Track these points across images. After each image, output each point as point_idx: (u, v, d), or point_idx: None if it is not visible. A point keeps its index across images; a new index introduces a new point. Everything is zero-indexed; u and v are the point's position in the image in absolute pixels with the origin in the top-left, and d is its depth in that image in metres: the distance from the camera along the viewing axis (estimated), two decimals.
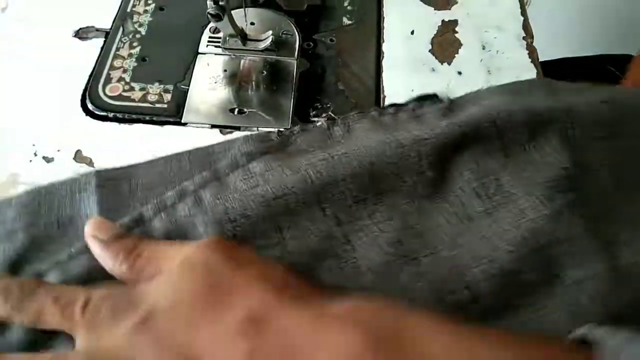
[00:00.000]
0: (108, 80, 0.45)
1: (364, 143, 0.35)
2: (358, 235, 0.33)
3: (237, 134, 0.42)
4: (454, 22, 0.50)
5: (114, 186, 0.35)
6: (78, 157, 0.41)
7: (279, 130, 0.37)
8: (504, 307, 0.31)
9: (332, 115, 0.39)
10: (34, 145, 0.42)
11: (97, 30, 0.49)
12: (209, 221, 0.32)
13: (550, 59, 0.48)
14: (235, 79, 0.46)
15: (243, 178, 0.34)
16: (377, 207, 0.34)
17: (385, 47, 0.49)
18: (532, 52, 0.48)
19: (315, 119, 0.43)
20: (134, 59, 0.47)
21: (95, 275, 0.31)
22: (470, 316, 0.31)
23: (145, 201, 0.35)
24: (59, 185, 0.36)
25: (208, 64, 0.47)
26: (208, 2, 0.42)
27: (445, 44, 0.48)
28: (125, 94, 0.45)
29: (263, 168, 0.35)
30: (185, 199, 0.33)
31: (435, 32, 0.49)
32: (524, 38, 0.49)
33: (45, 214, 0.35)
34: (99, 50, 0.48)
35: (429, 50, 0.48)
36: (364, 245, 0.33)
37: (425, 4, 0.52)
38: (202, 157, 0.37)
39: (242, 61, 0.48)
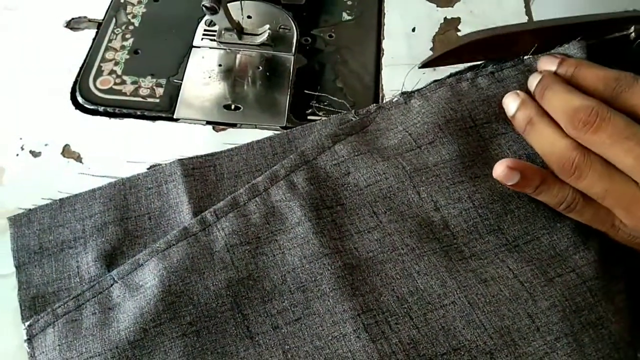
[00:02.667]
0: (99, 73, 0.44)
1: (445, 117, 0.34)
2: (457, 221, 0.33)
3: (231, 131, 0.41)
4: (457, 20, 0.49)
5: (200, 174, 0.36)
6: (66, 151, 0.40)
7: (355, 111, 0.37)
8: None
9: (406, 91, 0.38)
10: (21, 139, 0.40)
11: (89, 20, 0.48)
12: (306, 205, 0.33)
13: None
14: (230, 74, 0.45)
15: (332, 164, 0.35)
16: (476, 188, 0.33)
17: (385, 44, 0.47)
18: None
19: (312, 117, 0.42)
20: (126, 52, 0.46)
21: (197, 261, 0.32)
22: None
23: (234, 188, 0.35)
24: (143, 178, 0.37)
25: (203, 58, 0.46)
26: None
27: (447, 42, 0.47)
28: (116, 87, 0.43)
29: (350, 151, 0.35)
30: (277, 183, 0.34)
31: (437, 29, 0.48)
32: None
33: (134, 207, 0.35)
34: (91, 41, 0.46)
35: (430, 49, 0.47)
36: (463, 232, 0.32)
37: (428, 0, 0.50)
38: (282, 143, 0.38)
39: (237, 56, 0.46)
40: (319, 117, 0.42)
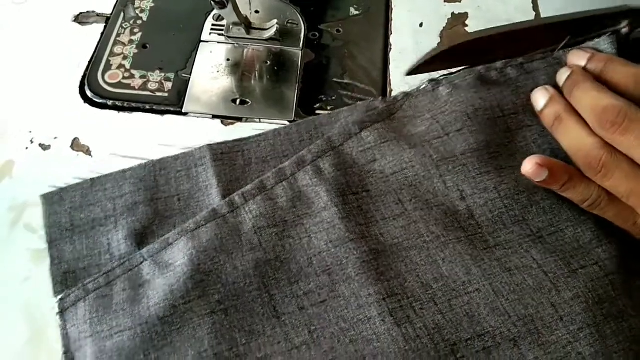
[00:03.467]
0: (108, 67, 0.44)
1: (474, 106, 0.35)
2: (482, 210, 0.33)
3: (239, 125, 0.41)
4: (464, 15, 0.49)
5: (229, 159, 0.37)
6: (75, 145, 0.40)
7: (382, 97, 0.38)
8: None
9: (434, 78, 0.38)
10: (30, 132, 0.41)
11: (98, 15, 0.48)
12: (332, 190, 0.34)
13: None
14: (238, 68, 0.45)
15: (359, 150, 0.35)
16: (502, 179, 0.33)
17: (392, 39, 0.47)
18: None
19: (320, 110, 0.42)
20: (134, 46, 0.46)
21: (226, 242, 0.33)
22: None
23: (262, 173, 0.36)
24: (173, 161, 0.37)
25: (211, 53, 0.46)
26: None
27: (454, 37, 0.47)
28: (125, 81, 0.43)
29: (377, 138, 0.35)
30: (304, 167, 0.35)
31: (444, 24, 0.48)
32: None
33: (164, 189, 0.36)
34: (99, 36, 0.46)
35: (438, 44, 0.47)
36: (488, 222, 0.33)
37: None
38: (309, 129, 0.38)
39: (245, 50, 0.46)
40: (327, 112, 0.42)
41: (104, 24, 0.47)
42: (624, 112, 0.30)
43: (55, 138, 0.40)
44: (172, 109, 0.42)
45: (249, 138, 0.38)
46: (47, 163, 0.39)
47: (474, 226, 0.33)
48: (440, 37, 0.47)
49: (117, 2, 0.49)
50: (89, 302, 0.32)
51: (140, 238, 0.34)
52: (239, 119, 0.42)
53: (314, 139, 0.37)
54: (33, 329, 0.33)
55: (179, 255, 0.33)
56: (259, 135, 0.38)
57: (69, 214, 0.35)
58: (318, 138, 0.37)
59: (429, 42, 0.47)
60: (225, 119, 0.42)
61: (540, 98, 0.34)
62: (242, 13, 0.45)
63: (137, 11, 0.48)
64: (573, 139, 0.32)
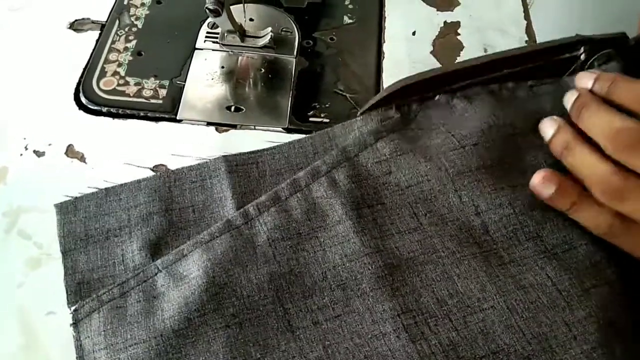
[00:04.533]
0: (102, 74, 0.45)
1: (488, 122, 0.35)
2: (497, 226, 0.33)
3: (233, 132, 0.42)
4: (456, 24, 0.49)
5: (244, 171, 0.37)
6: (69, 151, 0.40)
7: (396, 107, 0.37)
8: None
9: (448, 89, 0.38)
10: (24, 138, 0.41)
11: (93, 22, 0.48)
12: (347, 203, 0.34)
13: None
14: (232, 76, 0.46)
15: (374, 162, 0.35)
16: (516, 195, 0.33)
17: (385, 47, 0.48)
18: None
19: (313, 118, 0.42)
20: (129, 53, 0.46)
21: (240, 254, 0.33)
22: None
23: (276, 185, 0.36)
24: (187, 172, 0.37)
25: (205, 60, 0.46)
26: None
27: (446, 46, 0.48)
28: (119, 88, 0.44)
29: (393, 150, 0.35)
30: (318, 179, 0.35)
31: (437, 33, 0.49)
32: (526, 42, 0.48)
33: (179, 199, 0.36)
34: (94, 43, 0.47)
35: (430, 52, 0.47)
36: (503, 238, 0.32)
37: (428, 4, 0.51)
38: (323, 141, 0.38)
39: (240, 58, 0.47)
40: (321, 120, 0.42)
41: (99, 31, 0.48)
42: (633, 132, 0.29)
43: (50, 145, 0.40)
44: (166, 116, 0.42)
45: (264, 150, 0.38)
46: (42, 169, 0.39)
47: (488, 242, 0.33)
48: (433, 46, 0.48)
49: (112, 9, 0.49)
50: (103, 313, 0.32)
51: (155, 249, 0.34)
52: (234, 126, 0.42)
53: (328, 151, 0.37)
54: (27, 335, 0.33)
55: (193, 267, 0.32)
56: (274, 147, 0.38)
57: (84, 224, 0.35)
58: (332, 149, 0.37)
59: (422, 50, 0.47)
60: (220, 126, 0.42)
61: (548, 128, 0.34)
62: (237, 21, 0.45)
63: (132, 18, 0.49)
64: (585, 166, 0.31)
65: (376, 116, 0.37)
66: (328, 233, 0.33)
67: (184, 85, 0.44)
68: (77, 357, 0.32)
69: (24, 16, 0.49)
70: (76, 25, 0.48)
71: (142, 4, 0.50)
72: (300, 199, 0.34)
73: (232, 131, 0.42)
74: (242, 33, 0.47)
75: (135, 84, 0.44)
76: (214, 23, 0.47)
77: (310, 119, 0.43)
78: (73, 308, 0.33)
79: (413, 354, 0.30)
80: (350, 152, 0.36)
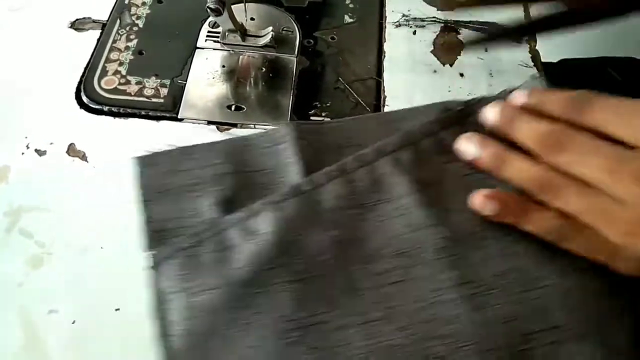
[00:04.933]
0: (104, 73, 0.45)
1: None
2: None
3: (234, 131, 0.42)
4: (457, 23, 0.49)
5: (311, 140, 0.38)
6: (71, 150, 0.40)
7: (461, 104, 0.38)
8: None
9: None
10: (26, 137, 0.41)
11: (94, 21, 0.49)
12: (411, 181, 0.35)
13: (552, 61, 0.47)
14: (233, 75, 0.46)
15: (436, 150, 0.36)
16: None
17: (386, 46, 0.48)
18: (534, 55, 0.47)
19: (314, 117, 0.43)
20: (130, 52, 0.46)
21: (307, 217, 0.34)
22: None
23: (340, 157, 0.37)
24: (258, 137, 0.39)
25: (206, 59, 0.46)
26: None
27: (447, 45, 0.48)
28: (121, 87, 0.44)
29: (454, 142, 0.36)
30: (384, 157, 0.36)
31: (437, 33, 0.49)
32: (526, 40, 0.48)
33: (250, 163, 0.37)
34: (95, 42, 0.47)
35: (431, 51, 0.47)
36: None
37: (429, 4, 0.51)
38: (387, 121, 0.39)
39: (241, 57, 0.47)
40: (322, 119, 0.43)
41: (100, 30, 0.48)
42: (559, 133, 0.31)
43: (51, 144, 0.40)
44: (167, 115, 0.42)
45: (330, 122, 0.39)
46: (43, 168, 0.39)
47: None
48: (434, 45, 0.48)
49: (113, 8, 0.49)
50: (178, 259, 0.34)
51: (227, 206, 0.36)
52: (234, 125, 0.42)
53: (389, 133, 0.38)
54: (28, 334, 0.33)
55: (263, 224, 0.34)
56: (339, 120, 0.39)
57: (161, 177, 0.37)
58: (392, 132, 0.38)
59: (423, 50, 0.47)
60: (221, 125, 0.42)
61: (469, 146, 0.35)
62: (238, 20, 0.45)
63: (133, 18, 0.49)
64: (521, 171, 0.32)
65: (438, 106, 0.38)
66: (392, 205, 0.35)
67: (185, 84, 0.44)
68: (153, 298, 0.33)
69: (24, 16, 0.49)
70: (77, 25, 0.48)
71: (143, 3, 0.50)
72: (365, 173, 0.36)
73: (233, 130, 0.42)
74: (243, 32, 0.47)
75: (137, 83, 0.44)
76: (215, 22, 0.47)
77: (311, 118, 0.43)
78: (152, 252, 0.34)
79: (473, 321, 0.31)
80: (414, 137, 0.37)
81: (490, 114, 0.35)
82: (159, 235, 0.35)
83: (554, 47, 0.48)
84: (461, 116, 0.37)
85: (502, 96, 0.37)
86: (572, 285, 0.31)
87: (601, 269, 0.32)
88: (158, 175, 0.37)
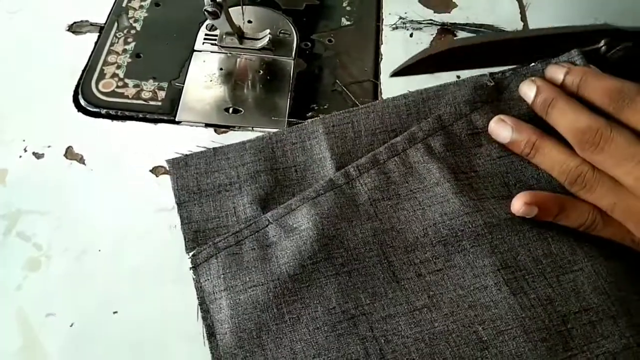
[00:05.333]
0: (101, 76, 0.45)
1: None
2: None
3: (232, 134, 0.42)
4: (454, 26, 0.50)
5: (340, 131, 0.38)
6: (69, 153, 0.40)
7: (491, 74, 0.38)
8: None
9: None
10: (24, 140, 0.41)
11: (91, 24, 0.49)
12: (444, 168, 0.35)
13: None
14: (231, 77, 0.46)
15: (468, 133, 0.37)
16: None
17: (383, 49, 0.48)
18: None
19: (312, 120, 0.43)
20: (128, 55, 0.46)
21: (345, 210, 0.35)
22: None
23: (372, 146, 0.37)
24: (287, 133, 0.39)
25: (204, 62, 0.46)
26: None
27: (444, 43, 0.48)
28: (118, 90, 0.44)
29: (486, 123, 0.37)
30: (415, 144, 0.37)
31: (434, 35, 0.49)
32: None
33: (281, 160, 0.38)
34: (93, 45, 0.47)
35: (424, 49, 0.47)
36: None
37: (425, 6, 0.51)
38: (417, 102, 0.39)
39: (238, 60, 0.47)
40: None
41: (98, 34, 0.48)
42: (599, 132, 0.31)
43: (49, 147, 0.40)
44: (165, 118, 0.43)
45: (359, 109, 0.39)
46: (41, 171, 0.39)
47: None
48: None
49: (110, 11, 0.49)
50: (220, 259, 0.34)
51: (263, 203, 0.36)
52: (232, 127, 0.42)
53: (421, 113, 0.38)
54: (25, 337, 0.33)
55: (302, 220, 0.35)
56: (368, 105, 0.39)
57: (195, 179, 0.37)
58: (425, 112, 0.38)
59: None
60: (218, 128, 0.42)
61: (503, 130, 0.35)
62: (235, 23, 0.45)
63: (131, 21, 0.49)
64: (555, 162, 0.33)
65: (470, 82, 0.38)
66: (427, 194, 0.35)
67: (183, 87, 0.44)
68: (198, 298, 0.34)
69: (22, 19, 0.49)
70: (75, 28, 0.48)
71: (141, 6, 0.50)
72: (398, 163, 0.36)
73: (231, 132, 0.42)
74: (241, 35, 0.47)
75: (134, 86, 0.44)
76: (213, 25, 0.48)
77: (309, 121, 0.43)
78: (192, 253, 0.35)
79: (515, 305, 0.31)
80: (445, 120, 0.37)
81: (529, 91, 0.35)
82: (198, 236, 0.36)
83: None
84: (492, 93, 0.37)
85: (539, 68, 0.37)
86: (601, 269, 0.33)
87: (627, 252, 0.33)
88: (193, 177, 0.38)
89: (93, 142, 0.41)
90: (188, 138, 0.41)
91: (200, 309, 0.33)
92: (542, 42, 0.37)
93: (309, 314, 0.32)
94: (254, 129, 0.42)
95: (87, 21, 0.49)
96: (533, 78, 0.36)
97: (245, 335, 0.32)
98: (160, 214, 0.38)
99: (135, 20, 0.49)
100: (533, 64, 0.38)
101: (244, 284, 0.33)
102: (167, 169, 0.38)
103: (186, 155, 0.38)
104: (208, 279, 0.34)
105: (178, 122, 0.42)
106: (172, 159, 0.38)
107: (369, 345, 0.31)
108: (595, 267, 0.32)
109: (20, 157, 0.40)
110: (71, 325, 0.33)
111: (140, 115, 0.43)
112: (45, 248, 0.36)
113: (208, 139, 0.41)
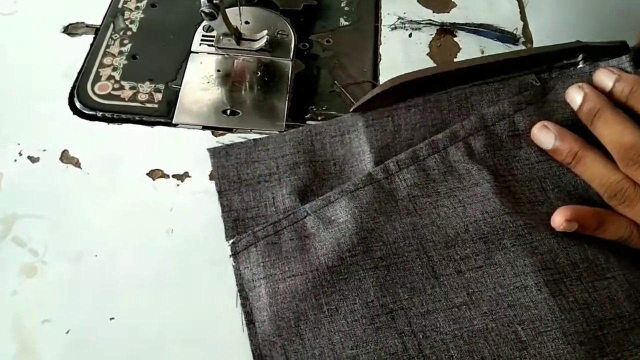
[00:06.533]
0: (97, 78, 0.44)
1: None
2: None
3: (229, 136, 0.41)
4: (453, 26, 0.49)
5: (380, 125, 0.38)
6: (64, 157, 0.40)
7: (537, 75, 0.38)
8: None
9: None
10: (19, 144, 0.40)
11: (87, 26, 0.48)
12: (483, 169, 0.35)
13: None
14: (228, 79, 0.45)
15: (509, 135, 0.37)
16: None
17: (382, 49, 0.48)
18: None
19: (310, 121, 0.42)
20: (124, 57, 0.46)
21: (384, 204, 0.35)
22: None
23: (411, 140, 0.37)
24: (327, 126, 0.40)
25: (201, 63, 0.46)
26: (202, 0, 0.41)
27: (443, 48, 0.48)
28: (114, 92, 0.43)
29: (528, 125, 0.37)
30: (456, 143, 0.37)
31: (433, 35, 0.49)
32: (523, 42, 0.48)
33: (320, 153, 0.39)
34: (89, 47, 0.46)
35: (427, 54, 0.47)
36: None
37: (424, 6, 0.51)
38: (459, 98, 0.38)
39: (235, 61, 0.47)
40: (318, 122, 0.42)
41: (94, 35, 0.47)
42: None
43: (44, 150, 0.40)
44: (162, 120, 0.42)
45: (399, 105, 0.38)
46: (36, 175, 0.39)
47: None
48: (430, 47, 0.48)
49: (106, 13, 0.49)
50: (259, 247, 0.35)
51: (302, 195, 0.37)
52: (230, 130, 0.42)
53: (463, 109, 0.38)
54: (21, 343, 0.33)
55: (341, 212, 0.35)
56: (409, 100, 0.39)
57: (236, 169, 0.38)
58: (467, 109, 0.38)
59: (418, 52, 0.47)
60: (216, 130, 0.42)
61: (546, 137, 0.35)
62: (232, 24, 0.45)
63: (127, 22, 0.48)
64: (596, 175, 0.34)
65: (514, 82, 0.38)
66: (466, 193, 0.35)
67: (180, 89, 0.44)
68: (237, 285, 0.34)
69: (16, 20, 0.48)
70: (70, 30, 0.48)
71: (137, 8, 0.50)
72: (438, 160, 0.36)
73: (229, 135, 0.41)
74: (238, 36, 0.46)
75: (131, 88, 0.44)
76: (210, 26, 0.47)
77: (307, 122, 0.42)
78: (231, 241, 0.35)
79: (554, 307, 0.31)
80: (488, 120, 0.37)
81: (576, 97, 0.35)
82: (237, 224, 0.36)
83: None
84: (537, 94, 0.37)
85: (587, 70, 0.37)
86: (632, 278, 0.33)
87: None
88: (234, 166, 0.38)
89: (89, 146, 0.40)
90: (185, 141, 0.41)
91: (240, 296, 0.34)
92: (509, 65, 0.38)
93: (347, 306, 0.32)
94: (252, 131, 0.42)
95: (82, 23, 0.48)
96: (581, 84, 0.35)
97: (284, 323, 0.32)
98: (157, 218, 0.37)
99: (132, 22, 0.48)
100: (581, 65, 0.38)
101: (283, 273, 0.33)
102: (209, 156, 0.38)
103: (226, 145, 0.39)
104: (247, 267, 0.34)
105: (175, 125, 0.42)
106: (213, 147, 0.39)
107: (407, 340, 0.31)
108: (627, 277, 0.33)
109: (15, 161, 0.40)
110: (67, 332, 0.33)
111: (137, 118, 0.42)
112: (41, 253, 0.36)
113: (205, 141, 0.41)
